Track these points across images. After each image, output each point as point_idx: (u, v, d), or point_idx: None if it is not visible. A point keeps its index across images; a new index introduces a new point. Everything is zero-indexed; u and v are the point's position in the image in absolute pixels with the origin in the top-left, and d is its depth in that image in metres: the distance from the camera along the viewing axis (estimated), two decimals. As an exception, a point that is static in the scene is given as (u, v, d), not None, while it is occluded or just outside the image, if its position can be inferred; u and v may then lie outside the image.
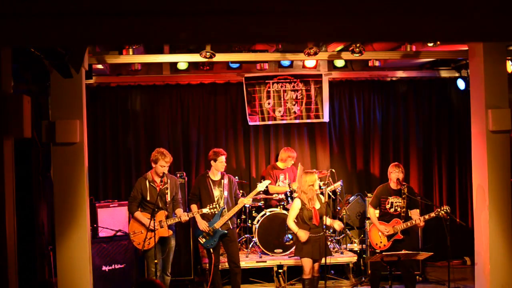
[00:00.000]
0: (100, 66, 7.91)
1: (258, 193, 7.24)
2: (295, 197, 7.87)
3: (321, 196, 6.68)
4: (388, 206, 6.67)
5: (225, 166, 7.02)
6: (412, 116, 9.02)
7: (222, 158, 6.90)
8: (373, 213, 6.82)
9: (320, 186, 6.84)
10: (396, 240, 6.58)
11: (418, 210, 6.70)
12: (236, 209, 6.89)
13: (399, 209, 6.61)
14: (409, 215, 6.75)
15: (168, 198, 6.67)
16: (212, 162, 6.96)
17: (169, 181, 6.69)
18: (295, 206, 6.58)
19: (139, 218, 6.55)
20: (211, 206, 6.67)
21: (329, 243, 7.36)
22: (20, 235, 5.56)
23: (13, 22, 2.78)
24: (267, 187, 7.27)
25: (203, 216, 6.87)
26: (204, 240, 6.85)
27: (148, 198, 6.57)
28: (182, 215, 6.64)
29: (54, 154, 6.27)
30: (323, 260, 6.47)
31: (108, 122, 8.60)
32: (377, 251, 6.66)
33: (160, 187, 6.53)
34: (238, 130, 8.84)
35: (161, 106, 8.69)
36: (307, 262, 6.45)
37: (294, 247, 7.63)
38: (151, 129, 8.69)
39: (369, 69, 8.85)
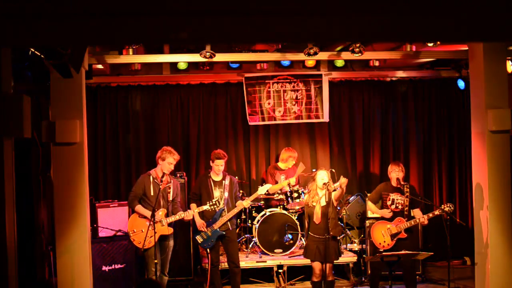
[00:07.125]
0: (100, 66, 7.91)
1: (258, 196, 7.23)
2: (295, 197, 7.91)
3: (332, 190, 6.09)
4: (389, 203, 6.66)
5: (222, 169, 6.96)
6: (412, 116, 9.01)
7: (218, 162, 6.87)
8: (372, 205, 6.81)
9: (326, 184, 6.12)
10: (399, 239, 6.56)
11: (419, 209, 6.70)
12: (235, 211, 6.89)
13: (400, 206, 6.59)
14: (412, 214, 6.74)
15: (170, 197, 6.68)
16: (210, 162, 6.98)
17: (172, 181, 6.71)
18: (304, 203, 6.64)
19: (141, 211, 6.52)
20: (211, 203, 6.69)
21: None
22: (20, 235, 5.56)
23: (13, 22, 2.78)
24: (267, 190, 7.26)
25: (202, 216, 6.88)
26: (201, 240, 6.85)
27: (152, 194, 6.57)
28: (183, 214, 6.65)
29: (54, 154, 6.27)
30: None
31: (108, 122, 8.59)
32: (380, 250, 6.63)
33: (164, 185, 6.54)
34: (238, 130, 8.84)
35: (161, 106, 8.69)
36: (314, 264, 6.33)
37: (294, 247, 7.68)
38: (151, 129, 8.68)
39: (369, 69, 8.84)
